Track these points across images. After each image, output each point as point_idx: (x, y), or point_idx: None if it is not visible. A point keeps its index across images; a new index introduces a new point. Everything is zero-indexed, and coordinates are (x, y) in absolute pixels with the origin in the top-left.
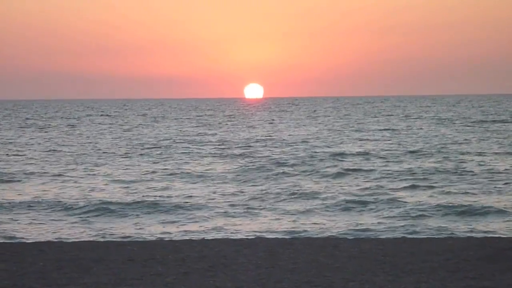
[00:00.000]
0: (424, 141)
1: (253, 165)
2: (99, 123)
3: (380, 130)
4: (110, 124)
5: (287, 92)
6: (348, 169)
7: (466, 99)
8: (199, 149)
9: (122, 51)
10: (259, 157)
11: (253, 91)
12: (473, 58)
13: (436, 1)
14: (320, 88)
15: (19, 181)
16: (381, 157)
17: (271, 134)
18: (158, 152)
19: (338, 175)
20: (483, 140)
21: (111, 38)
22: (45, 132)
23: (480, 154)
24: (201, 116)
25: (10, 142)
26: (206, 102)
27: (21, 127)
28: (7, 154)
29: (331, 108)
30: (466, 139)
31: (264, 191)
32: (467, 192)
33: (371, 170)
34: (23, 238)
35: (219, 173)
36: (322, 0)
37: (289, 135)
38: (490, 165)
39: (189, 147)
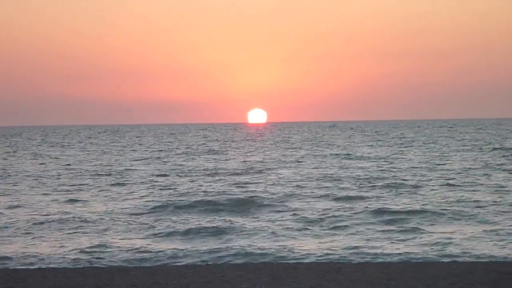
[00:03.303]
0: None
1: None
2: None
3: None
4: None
5: (290, 117)
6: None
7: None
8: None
9: (122, 76)
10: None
11: (257, 116)
12: (478, 83)
13: (442, 27)
14: (324, 113)
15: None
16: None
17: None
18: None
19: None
20: None
21: (107, 62)
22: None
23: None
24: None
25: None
26: (201, 126)
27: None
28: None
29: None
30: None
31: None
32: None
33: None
34: (26, 263)
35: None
36: (327, 25)
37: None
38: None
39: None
